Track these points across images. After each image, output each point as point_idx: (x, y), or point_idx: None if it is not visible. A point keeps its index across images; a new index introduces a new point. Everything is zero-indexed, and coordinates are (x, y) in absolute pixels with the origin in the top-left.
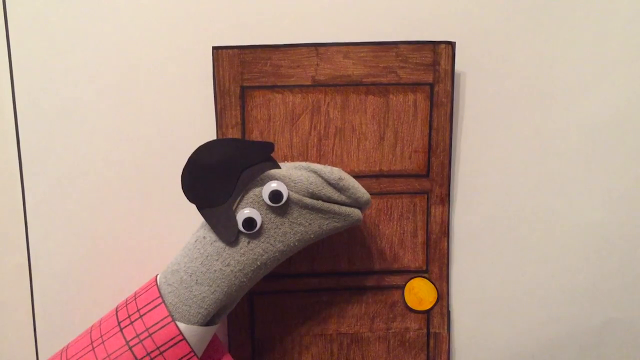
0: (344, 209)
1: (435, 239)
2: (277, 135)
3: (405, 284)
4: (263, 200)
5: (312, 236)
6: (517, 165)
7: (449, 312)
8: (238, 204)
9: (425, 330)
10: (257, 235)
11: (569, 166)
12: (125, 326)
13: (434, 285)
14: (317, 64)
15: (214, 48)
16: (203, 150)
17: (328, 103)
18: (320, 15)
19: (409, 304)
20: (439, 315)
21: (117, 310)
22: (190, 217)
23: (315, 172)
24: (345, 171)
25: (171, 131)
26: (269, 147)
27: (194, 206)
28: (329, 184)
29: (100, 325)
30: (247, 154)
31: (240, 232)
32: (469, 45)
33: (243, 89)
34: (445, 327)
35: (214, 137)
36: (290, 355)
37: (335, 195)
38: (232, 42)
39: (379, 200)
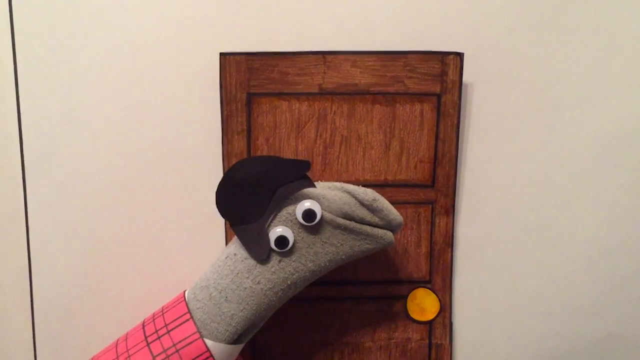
0: (376, 231)
1: (439, 250)
2: (282, 142)
3: (408, 294)
4: (296, 218)
5: (344, 257)
6: (522, 177)
7: (451, 323)
8: (271, 221)
9: (427, 341)
10: (288, 254)
11: (574, 179)
12: (153, 341)
13: (437, 296)
14: (325, 72)
15: (221, 54)
16: (239, 166)
17: (334, 111)
18: (329, 23)
19: (411, 315)
20: (441, 326)
21: (144, 325)
22: (191, 223)
23: (349, 192)
24: (350, 180)
25: (176, 137)
26: (305, 165)
27: (195, 212)
28: (363, 204)
29: (126, 339)
30: (283, 171)
31: (272, 250)
32: (477, 56)
33: (249, 95)
34: (448, 338)
35: (219, 144)
36: None
37: (368, 216)
38: (240, 49)
39: None
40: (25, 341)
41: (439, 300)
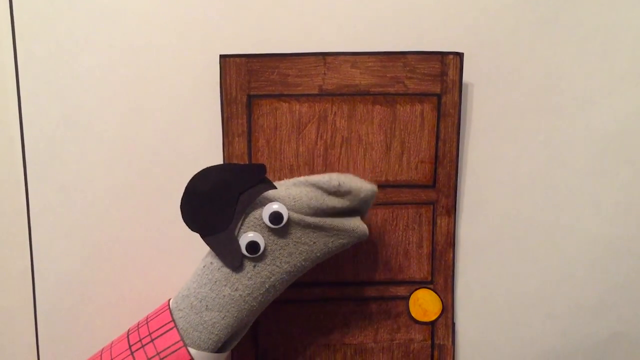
0: (348, 224)
1: (441, 250)
2: (283, 144)
3: (410, 295)
4: (264, 222)
5: (319, 254)
6: (524, 176)
7: (453, 324)
8: (240, 228)
9: (429, 342)
10: (262, 258)
11: (576, 178)
12: (137, 350)
13: (439, 297)
14: (325, 73)
15: (221, 56)
16: (197, 178)
17: (335, 112)
18: (328, 24)
19: (413, 315)
20: (443, 326)
21: (128, 333)
22: None
23: (313, 184)
24: None
25: (177, 139)
26: (261, 168)
27: None
28: (329, 193)
29: (111, 348)
30: (242, 177)
31: (244, 256)
32: (477, 56)
33: (250, 97)
34: (450, 339)
35: (220, 146)
36: None
37: (338, 203)
38: (240, 51)
39: (384, 210)
40: (28, 344)
41: (441, 301)
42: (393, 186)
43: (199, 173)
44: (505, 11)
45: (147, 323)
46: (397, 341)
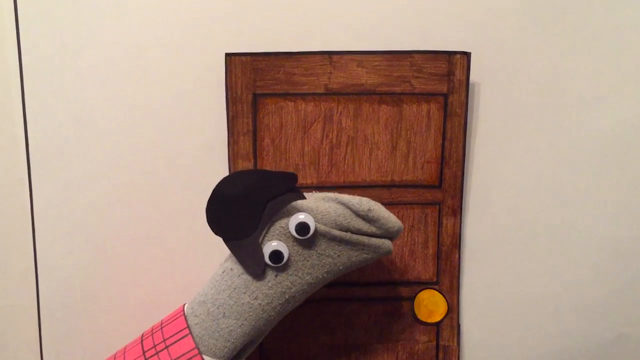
0: (373, 240)
1: (447, 251)
2: (288, 143)
3: (415, 296)
4: (290, 232)
5: (341, 268)
6: (530, 177)
7: (459, 325)
8: (264, 236)
9: (434, 343)
10: (284, 268)
11: (582, 178)
12: (151, 356)
13: (444, 297)
14: (331, 72)
15: (226, 55)
16: (226, 182)
17: (340, 112)
18: (335, 23)
19: (418, 316)
20: (448, 327)
21: (142, 339)
22: (197, 224)
23: (343, 203)
24: (357, 180)
25: (182, 138)
26: (292, 177)
27: (201, 213)
28: (358, 215)
29: (124, 353)
30: (271, 184)
31: (267, 265)
32: (484, 56)
33: (255, 96)
34: (455, 340)
35: (225, 144)
36: None
37: (365, 226)
38: (245, 49)
39: (390, 210)
40: (31, 342)
41: (447, 302)
42: (399, 186)
43: (227, 177)
44: (512, 11)
45: (161, 329)
46: (402, 342)
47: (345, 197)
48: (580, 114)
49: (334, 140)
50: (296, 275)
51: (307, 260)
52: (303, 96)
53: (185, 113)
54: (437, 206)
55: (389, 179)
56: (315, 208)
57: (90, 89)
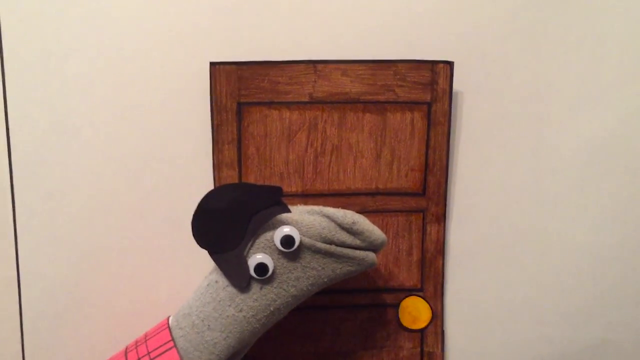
0: (357, 253)
1: (431, 258)
2: (273, 151)
3: (400, 303)
4: (275, 245)
5: (326, 280)
6: (512, 184)
7: (443, 331)
8: (249, 249)
9: (419, 349)
10: (269, 280)
11: (564, 186)
12: None
13: (429, 304)
14: (315, 81)
15: (211, 64)
16: (212, 195)
17: (325, 120)
18: (319, 32)
19: (403, 323)
20: (433, 334)
21: (126, 352)
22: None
23: (328, 216)
24: (341, 189)
25: (166, 146)
26: (277, 191)
27: (185, 221)
28: (342, 228)
29: None
30: (257, 198)
31: (252, 277)
32: (467, 65)
33: (240, 105)
34: (439, 346)
35: (210, 153)
36: None
37: (349, 239)
38: (230, 58)
39: (374, 218)
40: (14, 352)
41: (431, 308)
42: (383, 194)
43: (213, 190)
44: (494, 20)
45: (145, 342)
46: (387, 348)
47: (330, 210)
48: (562, 122)
49: (319, 149)
50: (281, 287)
51: (292, 273)
52: (288, 105)
53: (169, 122)
54: (421, 213)
55: (373, 186)
56: (300, 221)
57: (74, 97)
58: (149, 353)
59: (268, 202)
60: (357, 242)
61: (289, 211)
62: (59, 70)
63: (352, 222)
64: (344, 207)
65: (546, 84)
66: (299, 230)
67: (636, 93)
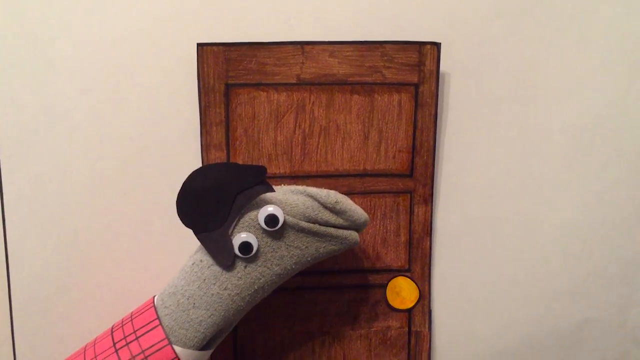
0: (340, 232)
1: (418, 239)
2: (261, 133)
3: (388, 283)
4: (259, 224)
5: (309, 259)
6: (500, 166)
7: (430, 311)
8: (234, 228)
9: (406, 329)
10: (253, 259)
11: (551, 167)
12: (121, 347)
13: (416, 284)
14: (303, 63)
15: (198, 45)
16: (196, 175)
17: (313, 102)
18: (307, 13)
19: (391, 303)
20: (420, 314)
21: (112, 330)
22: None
23: (311, 196)
24: (329, 170)
25: (154, 128)
26: (261, 170)
27: (174, 204)
28: (326, 207)
29: (94, 345)
30: (241, 177)
31: (236, 256)
32: (454, 46)
33: (228, 86)
34: (427, 326)
35: (198, 135)
36: (272, 353)
37: (332, 218)
38: (217, 39)
39: (362, 199)
40: (3, 337)
41: (418, 289)
42: (371, 175)
43: (197, 170)
44: (482, 2)
45: (131, 320)
46: (375, 328)
47: (313, 189)
48: (550, 104)
49: (307, 130)
50: (265, 266)
51: (276, 252)
52: (275, 86)
53: (157, 103)
54: (409, 195)
55: (361, 168)
56: (284, 200)
57: (60, 80)
58: (135, 331)
59: (252, 182)
60: (340, 221)
61: (273, 190)
62: (45, 55)
63: (335, 202)
64: (332, 189)
65: (533, 66)
66: (282, 210)
67: (622, 74)
